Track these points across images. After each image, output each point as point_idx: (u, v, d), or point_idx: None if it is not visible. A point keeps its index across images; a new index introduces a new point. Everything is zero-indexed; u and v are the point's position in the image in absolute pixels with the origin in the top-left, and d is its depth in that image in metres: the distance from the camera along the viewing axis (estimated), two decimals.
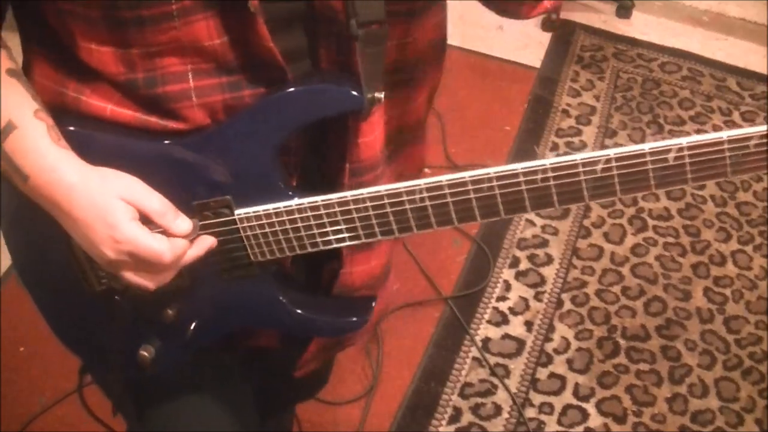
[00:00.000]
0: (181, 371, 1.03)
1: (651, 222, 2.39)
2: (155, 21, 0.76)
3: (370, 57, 0.81)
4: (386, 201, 0.82)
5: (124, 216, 0.80)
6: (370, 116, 0.84)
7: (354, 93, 0.81)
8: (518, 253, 2.29)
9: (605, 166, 0.76)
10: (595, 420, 1.94)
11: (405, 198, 0.82)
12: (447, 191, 0.80)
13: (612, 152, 0.76)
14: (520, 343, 2.08)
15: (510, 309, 2.16)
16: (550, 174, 0.78)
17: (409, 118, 0.96)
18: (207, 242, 0.87)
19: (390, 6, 0.81)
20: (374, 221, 0.84)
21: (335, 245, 0.86)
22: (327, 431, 1.90)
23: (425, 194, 0.81)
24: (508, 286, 2.21)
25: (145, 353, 0.93)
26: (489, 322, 2.13)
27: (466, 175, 0.79)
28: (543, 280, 2.23)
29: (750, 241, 2.35)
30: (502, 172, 0.79)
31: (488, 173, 0.79)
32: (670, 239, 2.34)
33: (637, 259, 2.28)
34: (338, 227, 0.85)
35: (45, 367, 1.92)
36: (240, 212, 0.85)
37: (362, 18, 0.78)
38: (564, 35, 3.06)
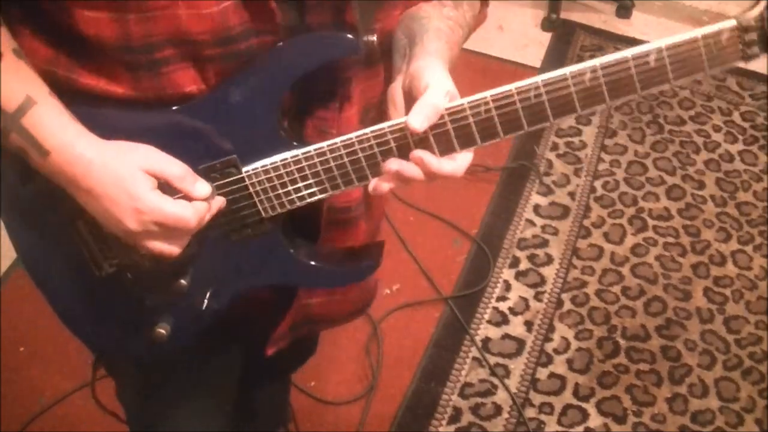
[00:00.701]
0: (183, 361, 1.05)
1: (651, 222, 2.39)
2: None
3: (363, 2, 0.83)
4: (390, 137, 0.84)
5: (146, 186, 0.81)
6: (355, 78, 0.87)
7: (349, 36, 0.82)
8: (518, 253, 2.29)
9: (592, 75, 0.81)
10: (595, 420, 1.94)
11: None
12: (447, 119, 0.83)
13: (597, 62, 0.81)
14: (520, 343, 2.08)
15: (510, 309, 2.16)
16: (542, 90, 0.81)
17: (371, 94, 0.97)
18: (218, 202, 0.88)
19: None
20: (380, 158, 0.86)
21: (344, 188, 0.88)
22: (327, 431, 1.90)
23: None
24: (508, 286, 2.21)
25: (162, 330, 0.94)
26: (489, 322, 2.13)
27: (465, 101, 0.83)
28: (543, 280, 2.23)
29: (750, 241, 2.35)
30: (498, 93, 0.83)
31: (485, 96, 0.83)
32: (670, 239, 2.34)
33: (637, 259, 2.28)
34: (345, 169, 0.86)
35: (45, 367, 1.92)
36: (247, 169, 0.86)
37: None
38: (564, 35, 3.06)
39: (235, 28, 0.81)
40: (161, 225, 0.83)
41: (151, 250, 0.85)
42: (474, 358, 2.05)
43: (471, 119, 0.83)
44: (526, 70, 2.88)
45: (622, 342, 2.09)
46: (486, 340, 2.09)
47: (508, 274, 2.24)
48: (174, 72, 0.82)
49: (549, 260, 2.27)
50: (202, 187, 0.85)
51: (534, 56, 2.95)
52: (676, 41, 0.80)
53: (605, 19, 3.15)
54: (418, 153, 0.84)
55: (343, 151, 0.85)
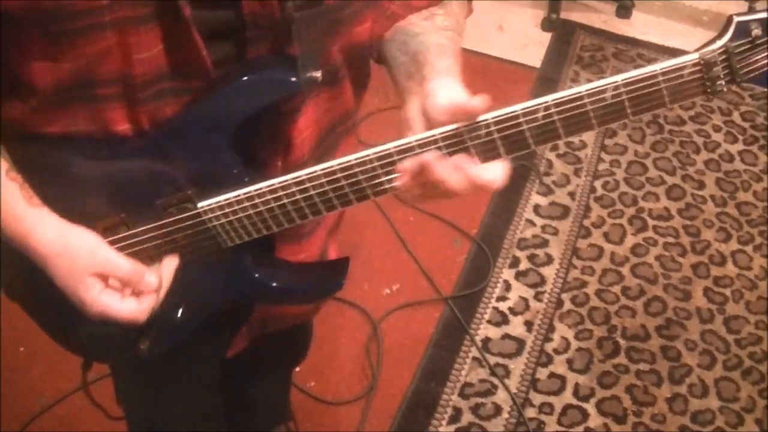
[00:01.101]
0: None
1: (651, 222, 2.39)
2: (87, 32, 0.75)
3: (307, 37, 0.81)
4: (339, 175, 0.83)
5: (95, 291, 0.85)
6: (304, 105, 0.86)
7: (289, 78, 0.82)
8: (518, 253, 2.29)
9: (545, 113, 0.79)
10: (595, 420, 1.94)
11: (357, 170, 0.83)
12: (396, 158, 0.82)
13: (550, 98, 0.79)
14: (520, 343, 2.08)
15: (510, 309, 2.16)
16: (494, 128, 0.80)
17: (337, 112, 0.96)
18: (172, 266, 0.90)
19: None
20: (332, 195, 0.85)
21: (299, 222, 0.88)
22: (327, 431, 1.90)
23: (376, 163, 0.82)
24: (508, 286, 2.21)
25: (142, 346, 0.95)
26: (489, 322, 2.13)
27: (413, 139, 0.81)
28: (543, 280, 2.23)
29: (750, 241, 2.35)
30: (447, 132, 0.80)
31: (434, 134, 0.81)
32: (670, 239, 2.34)
33: (637, 259, 2.28)
34: (298, 206, 0.86)
35: (45, 367, 1.92)
36: (202, 204, 0.87)
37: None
38: (564, 35, 3.06)
39: (166, 71, 0.80)
40: (111, 320, 0.86)
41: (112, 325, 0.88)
42: (474, 358, 2.05)
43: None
44: (526, 70, 2.89)
45: (622, 342, 2.09)
46: (486, 340, 2.09)
47: (508, 274, 2.24)
48: (106, 111, 0.82)
49: (549, 260, 2.27)
50: (150, 281, 0.87)
51: (534, 56, 2.95)
52: (634, 77, 0.78)
53: (605, 19, 3.15)
54: (456, 158, 0.81)
55: (294, 189, 0.85)
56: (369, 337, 2.08)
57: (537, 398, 1.97)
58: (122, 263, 0.86)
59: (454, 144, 0.81)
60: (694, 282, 2.24)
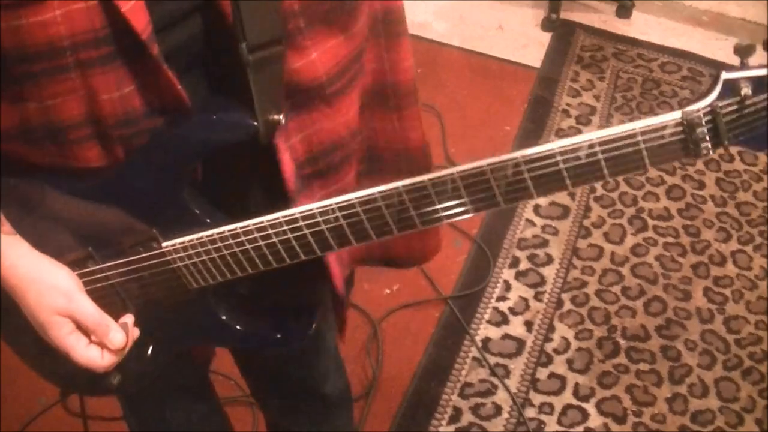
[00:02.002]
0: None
1: (651, 222, 2.38)
2: (50, 73, 0.73)
3: (265, 80, 0.78)
4: (302, 223, 0.81)
5: (62, 330, 0.83)
6: (276, 140, 0.83)
7: (246, 121, 0.79)
8: (518, 253, 2.29)
9: (515, 170, 0.74)
10: (595, 420, 1.94)
11: (320, 219, 0.81)
12: (359, 209, 0.79)
13: (519, 154, 0.74)
14: (520, 343, 2.08)
15: (510, 309, 2.16)
16: (460, 183, 0.76)
17: (332, 139, 0.92)
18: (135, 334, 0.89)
19: (291, 23, 0.78)
20: (294, 243, 0.83)
21: (263, 268, 0.86)
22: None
23: (338, 213, 0.80)
24: (508, 286, 2.21)
25: (113, 381, 0.95)
26: (489, 322, 2.13)
27: (376, 190, 0.78)
28: (543, 280, 2.23)
29: (750, 241, 2.35)
30: (411, 185, 0.77)
31: (397, 187, 0.78)
32: (670, 239, 2.34)
33: (637, 259, 2.28)
34: (261, 252, 0.84)
35: None
36: (167, 244, 0.85)
37: (252, 42, 0.75)
38: (564, 35, 3.06)
39: (138, 109, 0.78)
40: (73, 361, 0.85)
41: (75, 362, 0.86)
42: (474, 358, 2.05)
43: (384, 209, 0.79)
44: (526, 70, 2.88)
45: (622, 342, 2.09)
46: (486, 340, 2.09)
47: (508, 274, 2.24)
48: (80, 150, 0.80)
49: (549, 260, 2.27)
50: (115, 338, 0.85)
51: (534, 56, 2.95)
52: (611, 135, 0.72)
53: (605, 19, 3.15)
54: None
55: (256, 234, 0.83)
56: (369, 337, 2.09)
57: (537, 398, 1.97)
58: (91, 312, 0.84)
59: (419, 198, 0.78)
60: (694, 282, 2.24)
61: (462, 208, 0.78)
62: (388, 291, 2.19)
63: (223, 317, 0.94)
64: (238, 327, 0.95)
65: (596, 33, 3.08)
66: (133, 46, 0.72)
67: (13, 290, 0.83)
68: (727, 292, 2.22)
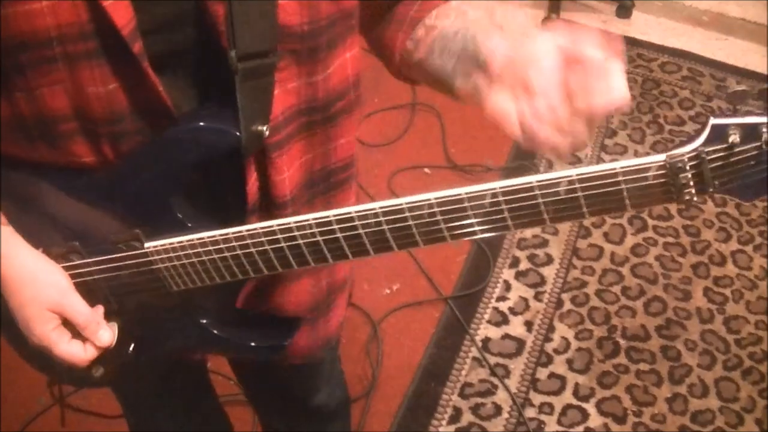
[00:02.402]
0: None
1: (651, 222, 2.38)
2: (37, 64, 0.74)
3: (252, 90, 0.78)
4: (280, 236, 0.81)
5: (48, 326, 0.84)
6: (274, 153, 0.83)
7: (229, 129, 0.79)
8: (518, 253, 2.29)
9: (493, 200, 0.73)
10: (595, 420, 1.94)
11: (297, 233, 0.81)
12: (336, 226, 0.79)
13: (498, 185, 0.73)
14: (520, 343, 2.08)
15: (510, 309, 2.16)
16: (436, 209, 0.75)
17: (333, 160, 0.93)
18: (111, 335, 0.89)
19: (288, 44, 0.78)
20: (272, 255, 0.83)
21: (241, 277, 0.86)
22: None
23: (315, 229, 0.80)
24: (508, 286, 2.21)
25: (96, 373, 0.95)
26: (489, 322, 2.13)
27: (353, 209, 0.78)
28: (543, 280, 2.23)
29: (750, 241, 2.35)
30: (388, 207, 0.77)
31: (374, 207, 0.77)
32: (670, 239, 2.34)
33: (637, 259, 2.28)
34: (239, 261, 0.84)
35: None
36: (149, 245, 0.86)
37: (242, 50, 0.75)
38: None
39: (124, 108, 0.78)
40: (52, 356, 0.85)
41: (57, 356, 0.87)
42: (474, 358, 2.05)
43: (360, 229, 0.79)
44: None
45: (622, 342, 2.09)
46: (486, 340, 2.09)
47: (508, 274, 2.24)
48: (69, 144, 0.80)
49: (549, 260, 2.27)
50: (103, 336, 0.86)
51: None
52: (592, 173, 0.70)
53: (605, 19, 3.15)
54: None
55: (235, 243, 0.83)
56: (369, 337, 2.09)
57: (537, 398, 1.97)
58: (81, 310, 0.85)
59: (396, 221, 0.77)
60: (694, 282, 2.23)
61: (438, 234, 0.77)
62: (388, 291, 2.19)
63: (203, 322, 0.94)
64: (216, 333, 0.95)
65: None
66: (116, 43, 0.72)
67: (6, 281, 0.83)
68: (727, 292, 2.22)
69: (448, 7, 0.89)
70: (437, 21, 0.88)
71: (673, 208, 2.42)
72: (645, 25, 3.13)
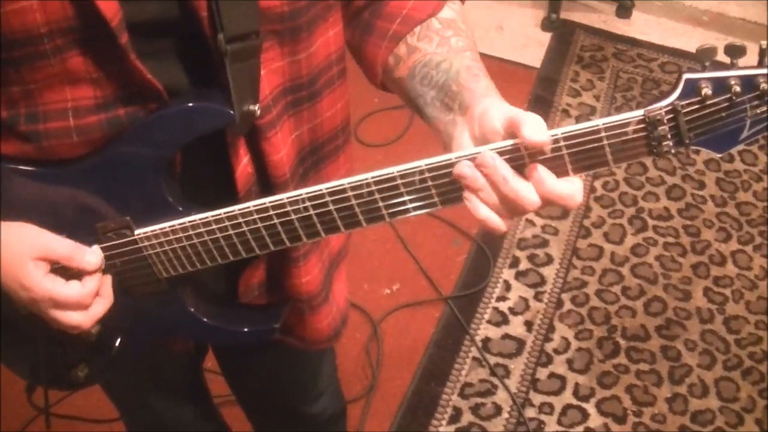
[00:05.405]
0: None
1: (651, 222, 2.39)
2: (30, 60, 0.75)
3: (242, 71, 0.79)
4: (272, 213, 0.82)
5: (37, 275, 0.83)
6: (270, 132, 0.84)
7: (222, 109, 0.79)
8: (518, 253, 2.29)
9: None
10: (595, 420, 1.94)
11: (289, 209, 0.81)
12: (328, 199, 0.80)
13: (487, 148, 0.75)
14: (520, 343, 2.08)
15: (510, 309, 2.16)
16: (427, 175, 0.77)
17: (320, 133, 0.94)
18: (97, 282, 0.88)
19: (270, 26, 0.80)
20: (264, 233, 0.83)
21: (233, 259, 0.86)
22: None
23: (308, 203, 0.80)
24: (508, 286, 2.21)
25: (80, 373, 0.95)
26: (489, 322, 2.13)
27: (345, 182, 0.79)
28: (543, 280, 2.23)
29: (750, 241, 2.35)
30: (379, 176, 0.78)
31: (366, 178, 0.79)
32: (670, 239, 2.34)
33: (637, 259, 2.28)
34: (231, 241, 0.85)
35: None
36: (139, 232, 0.86)
37: (229, 33, 0.76)
38: (564, 35, 3.06)
39: (119, 97, 0.79)
40: (59, 306, 0.84)
41: (58, 324, 0.86)
42: (474, 358, 2.05)
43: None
44: (526, 70, 2.89)
45: (622, 342, 2.09)
46: (486, 340, 2.09)
47: (508, 274, 2.24)
48: (61, 137, 0.81)
49: (549, 260, 2.27)
50: (91, 257, 0.85)
51: (534, 56, 2.96)
52: (575, 131, 0.73)
53: (605, 19, 3.15)
54: (537, 169, 0.75)
55: (227, 223, 0.83)
56: (369, 337, 2.09)
57: (537, 398, 1.98)
58: (60, 244, 0.84)
59: (387, 189, 0.78)
60: (694, 282, 2.24)
61: (429, 200, 0.78)
62: (388, 291, 2.20)
63: (191, 309, 0.94)
64: (205, 320, 0.95)
65: (596, 33, 3.08)
66: (104, 34, 0.74)
67: None
68: (727, 292, 2.22)
69: (431, 29, 0.91)
70: (420, 44, 0.90)
71: (673, 208, 2.42)
72: (645, 25, 3.14)
